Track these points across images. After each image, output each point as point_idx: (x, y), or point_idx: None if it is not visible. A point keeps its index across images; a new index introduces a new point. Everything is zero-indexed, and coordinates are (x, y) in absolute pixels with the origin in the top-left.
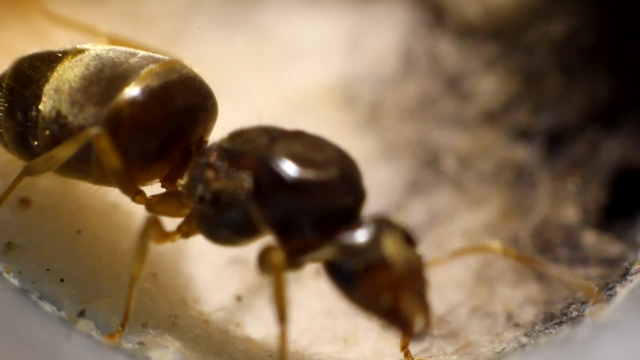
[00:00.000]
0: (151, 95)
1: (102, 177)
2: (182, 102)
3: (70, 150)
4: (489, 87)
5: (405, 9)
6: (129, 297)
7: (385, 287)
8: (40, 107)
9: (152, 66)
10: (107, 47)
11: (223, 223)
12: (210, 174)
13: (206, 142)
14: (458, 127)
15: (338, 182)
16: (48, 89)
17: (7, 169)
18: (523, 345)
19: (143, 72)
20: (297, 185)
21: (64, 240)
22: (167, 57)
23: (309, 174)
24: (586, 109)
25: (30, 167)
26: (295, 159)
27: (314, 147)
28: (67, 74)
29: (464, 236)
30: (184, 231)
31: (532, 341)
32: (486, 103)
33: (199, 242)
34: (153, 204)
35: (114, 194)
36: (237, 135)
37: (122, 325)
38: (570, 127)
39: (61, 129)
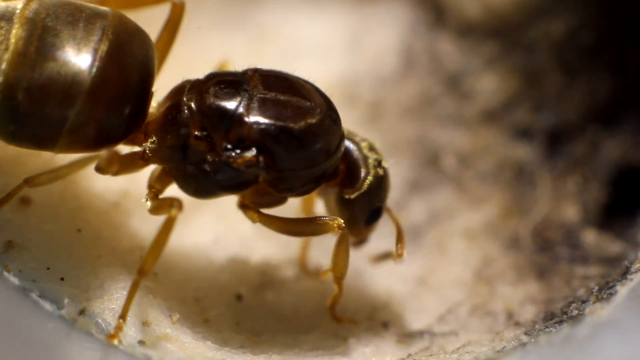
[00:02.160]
0: (116, 72)
1: (66, 150)
2: (141, 63)
3: (78, 170)
4: (489, 86)
5: (405, 8)
6: (131, 294)
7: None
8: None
9: (104, 38)
10: (45, 6)
11: (220, 186)
12: (201, 146)
13: (153, 93)
14: (458, 126)
15: (329, 118)
16: (2, 81)
17: (8, 167)
18: (523, 344)
19: (100, 47)
20: (303, 142)
21: (64, 239)
22: (106, 9)
23: (308, 126)
24: (586, 108)
25: (32, 180)
26: (290, 117)
27: (291, 92)
28: (20, 63)
29: (464, 235)
30: (157, 189)
31: (533, 340)
32: (486, 102)
33: (200, 241)
34: (119, 169)
35: (115, 193)
36: (206, 96)
37: (120, 325)
38: (570, 126)
39: (26, 128)
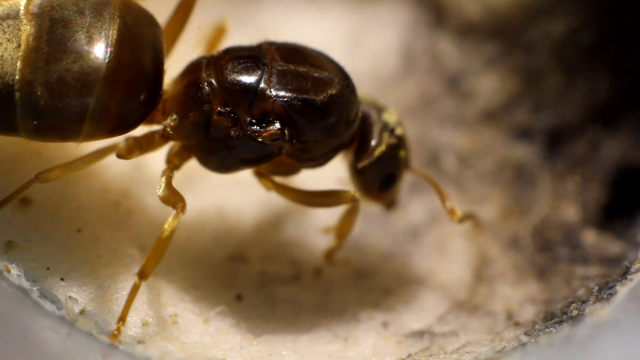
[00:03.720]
0: (128, 55)
1: (90, 139)
2: (150, 43)
3: (93, 162)
4: (489, 86)
5: (405, 8)
6: (131, 297)
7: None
8: (17, 95)
9: (112, 23)
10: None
11: (243, 160)
12: (224, 122)
13: (165, 70)
14: (458, 126)
15: (348, 87)
16: (19, 78)
17: (8, 167)
18: (523, 344)
19: (110, 33)
20: (326, 112)
21: (64, 239)
22: None
23: (330, 96)
24: (586, 108)
25: (43, 176)
26: (312, 89)
27: (308, 63)
28: (34, 59)
29: (464, 235)
30: (176, 164)
31: (532, 340)
32: (486, 102)
33: (200, 241)
34: (139, 152)
35: (115, 193)
36: (226, 71)
37: (119, 327)
38: (570, 126)
39: (49, 122)
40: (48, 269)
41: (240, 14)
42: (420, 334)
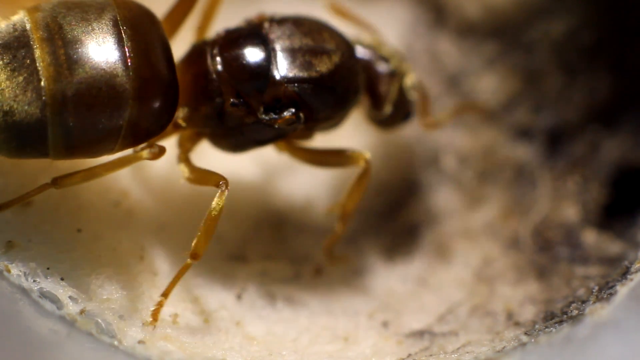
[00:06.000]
0: (146, 60)
1: (124, 149)
2: (158, 39)
3: (117, 170)
4: (489, 86)
5: (405, 7)
6: (180, 273)
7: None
8: (49, 127)
9: (123, 34)
10: (51, 16)
11: (258, 142)
12: (238, 111)
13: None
14: (458, 126)
15: (351, 56)
16: (48, 111)
17: (8, 167)
18: (523, 344)
19: (124, 43)
20: (335, 88)
21: (64, 239)
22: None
23: (337, 70)
24: (586, 108)
25: (63, 181)
26: (320, 66)
27: (311, 38)
28: (60, 89)
29: (464, 235)
30: (188, 147)
31: (533, 340)
32: (486, 102)
33: None
34: (158, 153)
35: (115, 193)
36: (234, 61)
37: (158, 309)
38: (570, 126)
39: (80, 146)
40: (48, 269)
41: (241, 13)
42: (420, 334)
